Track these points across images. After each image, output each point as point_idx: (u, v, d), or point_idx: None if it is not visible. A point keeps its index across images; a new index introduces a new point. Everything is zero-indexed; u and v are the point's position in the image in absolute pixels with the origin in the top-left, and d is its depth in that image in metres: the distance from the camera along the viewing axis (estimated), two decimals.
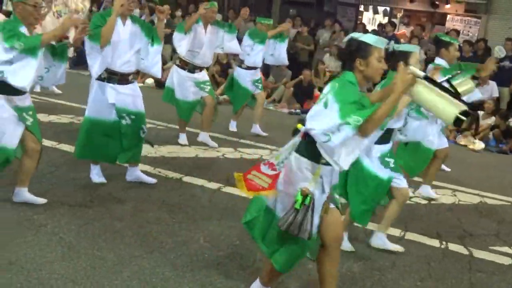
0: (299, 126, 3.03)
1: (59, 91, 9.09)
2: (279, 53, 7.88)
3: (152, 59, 5.07)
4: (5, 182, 4.82)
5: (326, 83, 8.52)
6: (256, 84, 7.75)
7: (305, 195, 2.91)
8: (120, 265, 3.63)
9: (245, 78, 7.69)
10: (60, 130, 6.88)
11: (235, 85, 7.80)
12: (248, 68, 7.67)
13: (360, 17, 16.74)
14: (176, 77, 6.74)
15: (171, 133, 7.44)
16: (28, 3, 4.06)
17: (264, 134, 7.87)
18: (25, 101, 4.30)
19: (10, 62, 4.00)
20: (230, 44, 6.99)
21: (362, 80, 3.00)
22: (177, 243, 4.07)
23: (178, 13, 14.28)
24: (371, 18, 17.89)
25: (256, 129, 7.90)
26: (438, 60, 5.49)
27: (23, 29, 4.08)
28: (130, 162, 5.22)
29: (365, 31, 13.49)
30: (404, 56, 3.98)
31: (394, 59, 3.93)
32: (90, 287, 3.33)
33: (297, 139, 3.05)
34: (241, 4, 18.91)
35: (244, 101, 7.83)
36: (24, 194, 4.44)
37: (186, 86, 6.71)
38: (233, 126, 8.00)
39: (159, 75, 5.32)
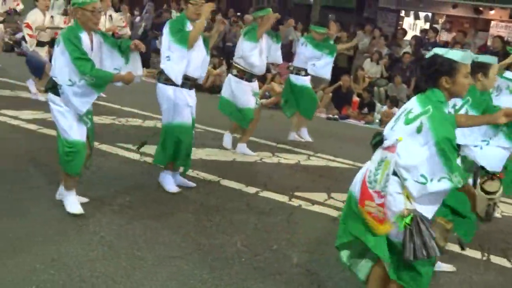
0: (400, 139, 2.78)
1: (103, 94, 9.20)
2: (323, 65, 7.64)
3: (204, 67, 5.21)
4: (49, 180, 4.95)
5: (365, 89, 8.41)
6: None
7: (406, 215, 2.77)
8: (159, 266, 3.67)
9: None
10: (102, 131, 7.00)
11: (306, 94, 7.71)
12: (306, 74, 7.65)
13: (400, 22, 16.52)
14: (236, 87, 6.58)
15: (208, 135, 7.50)
16: (87, 8, 4.10)
17: (309, 139, 7.82)
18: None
19: (74, 84, 4.10)
20: (275, 54, 6.92)
21: (448, 97, 2.89)
22: (215, 245, 4.09)
23: (218, 17, 14.40)
24: (412, 24, 17.62)
25: (303, 134, 7.88)
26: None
27: (84, 35, 4.12)
28: (179, 166, 5.29)
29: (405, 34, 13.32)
30: (484, 68, 3.80)
31: (472, 71, 3.65)
32: (130, 286, 3.38)
33: (387, 155, 2.80)
34: (280, 10, 18.96)
35: (315, 108, 7.99)
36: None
37: (247, 93, 6.60)
38: (305, 134, 7.92)
39: (200, 81, 5.39)
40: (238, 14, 13.94)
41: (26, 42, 8.45)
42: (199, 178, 5.59)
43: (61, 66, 4.08)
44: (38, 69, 8.39)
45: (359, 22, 14.72)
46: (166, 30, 4.91)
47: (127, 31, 11.02)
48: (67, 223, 4.16)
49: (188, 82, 5.02)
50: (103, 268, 3.55)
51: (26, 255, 3.59)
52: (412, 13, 17.15)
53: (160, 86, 5.03)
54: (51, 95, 4.23)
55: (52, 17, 8.72)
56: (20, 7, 10.90)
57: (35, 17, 8.32)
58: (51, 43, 8.41)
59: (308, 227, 4.69)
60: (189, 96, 5.06)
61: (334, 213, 5.05)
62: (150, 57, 13.73)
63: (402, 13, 16.75)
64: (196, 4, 4.91)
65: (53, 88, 4.18)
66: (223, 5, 20.58)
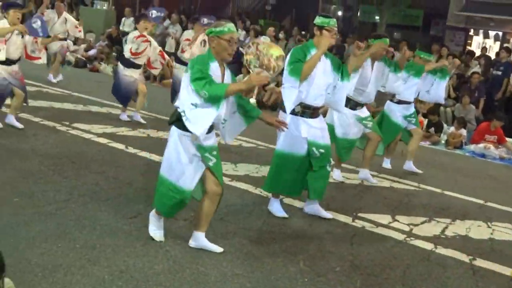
0: None
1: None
2: (436, 90, 7.16)
3: (339, 94, 5.05)
4: (117, 193, 5.11)
5: (430, 109, 8.10)
6: (409, 119, 7.15)
7: None
8: (222, 282, 3.69)
9: (396, 112, 7.14)
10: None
11: (385, 120, 7.20)
12: (400, 102, 7.11)
13: (469, 41, 16.08)
14: (338, 114, 6.20)
15: (271, 153, 7.48)
16: (223, 38, 3.83)
17: (418, 171, 7.29)
18: (210, 140, 3.99)
19: (195, 105, 3.76)
20: (394, 85, 6.56)
21: None
22: (277, 264, 4.08)
23: (281, 35, 14.53)
24: (480, 43, 17.12)
25: (409, 165, 7.34)
26: None
27: (215, 65, 3.89)
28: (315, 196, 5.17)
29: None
30: None
31: None
32: None
33: None
34: (345, 28, 18.91)
35: (394, 137, 7.24)
36: (201, 239, 4.19)
37: (348, 123, 6.32)
38: (387, 163, 7.51)
39: (342, 111, 5.37)
40: (303, 32, 13.99)
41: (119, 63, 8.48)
42: (262, 196, 5.61)
43: (186, 90, 3.81)
44: (125, 97, 8.39)
45: (426, 41, 14.44)
46: (287, 57, 4.73)
47: (81, 35, 11.52)
48: (134, 236, 4.26)
49: (308, 111, 4.89)
50: (168, 282, 3.61)
51: (94, 266, 3.70)
52: (481, 31, 16.67)
53: (280, 112, 4.97)
54: (175, 129, 3.94)
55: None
56: (80, 34, 11.35)
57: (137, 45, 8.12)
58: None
59: (372, 250, 4.59)
60: (308, 126, 4.91)
61: (399, 236, 4.93)
62: None
63: (471, 32, 16.29)
64: (331, 31, 4.79)
65: (178, 120, 3.89)
66: (287, 23, 20.79)
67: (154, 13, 9.10)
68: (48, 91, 10.00)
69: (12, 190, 4.90)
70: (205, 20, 8.52)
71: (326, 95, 5.00)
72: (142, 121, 8.34)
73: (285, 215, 5.08)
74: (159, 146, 7.04)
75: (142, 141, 7.23)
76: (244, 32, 14.93)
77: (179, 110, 3.87)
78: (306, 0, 21.27)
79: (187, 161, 3.92)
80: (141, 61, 8.25)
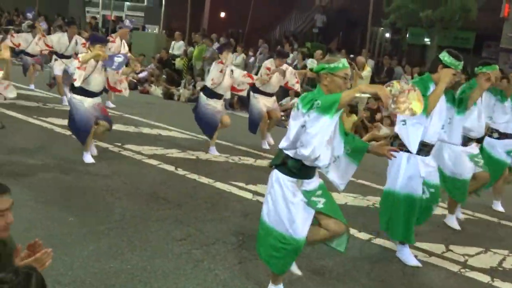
0: None
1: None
2: None
3: (455, 128, 4.85)
4: (168, 215, 5.16)
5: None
6: None
7: None
8: None
9: (497, 148, 6.43)
10: (215, 169, 7.23)
11: (486, 157, 6.26)
12: (501, 136, 6.40)
13: None
14: (448, 152, 5.66)
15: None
16: (338, 74, 3.52)
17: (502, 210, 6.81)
18: (314, 182, 3.67)
19: (304, 127, 3.36)
20: (505, 117, 6.12)
21: None
22: None
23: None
24: None
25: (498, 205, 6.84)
26: None
27: None
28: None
29: None
30: None
31: None
32: None
33: None
34: (393, 51, 18.73)
35: (500, 174, 6.48)
36: None
37: (461, 161, 5.70)
38: (497, 206, 6.83)
39: (457, 145, 5.11)
40: (351, 56, 13.91)
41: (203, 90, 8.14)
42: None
43: (294, 130, 3.45)
44: (211, 127, 7.99)
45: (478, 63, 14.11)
46: None
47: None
48: (184, 259, 4.28)
49: (425, 148, 4.63)
50: None
51: None
52: None
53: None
54: (279, 176, 3.61)
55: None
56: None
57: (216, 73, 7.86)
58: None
59: (425, 280, 4.46)
60: (424, 164, 4.65)
61: (453, 267, 4.76)
62: None
63: None
64: (455, 75, 4.53)
65: (282, 165, 3.59)
66: (333, 46, 20.77)
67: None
68: None
69: (67, 210, 5.02)
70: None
71: (440, 130, 4.76)
72: (217, 153, 8.00)
73: (418, 264, 4.71)
74: (208, 168, 7.13)
75: (191, 163, 7.30)
76: (291, 55, 15.00)
77: (285, 151, 3.55)
78: (354, 23, 21.23)
79: (296, 208, 3.55)
80: (223, 90, 7.95)
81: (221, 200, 5.90)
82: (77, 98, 6.68)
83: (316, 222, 3.70)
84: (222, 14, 21.45)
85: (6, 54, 7.36)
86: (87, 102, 6.69)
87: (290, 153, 3.52)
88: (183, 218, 5.18)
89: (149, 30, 21.66)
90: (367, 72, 12.29)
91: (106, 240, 4.45)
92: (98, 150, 7.14)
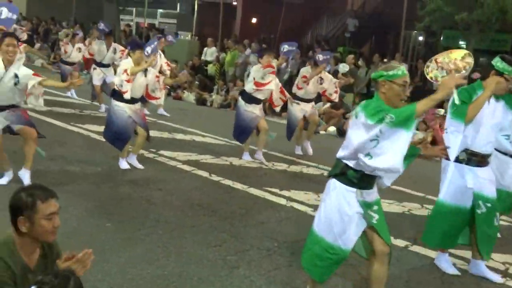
0: None
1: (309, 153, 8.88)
2: None
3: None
4: (202, 220, 5.19)
5: None
6: None
7: None
8: None
9: None
10: (249, 175, 7.24)
11: None
12: None
13: None
14: (497, 162, 5.14)
15: None
16: (396, 82, 3.39)
17: None
18: (373, 194, 3.56)
19: (377, 139, 3.25)
20: None
21: None
22: None
23: (360, 62, 14.39)
24: None
25: None
26: None
27: None
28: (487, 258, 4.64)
29: None
30: None
31: None
32: None
33: None
34: (427, 54, 18.44)
35: None
36: None
37: (509, 174, 5.24)
38: None
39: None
40: (385, 60, 13.77)
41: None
42: None
43: (354, 138, 3.38)
44: (244, 133, 7.96)
45: None
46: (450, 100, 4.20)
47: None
48: (219, 265, 4.30)
49: (474, 158, 4.42)
50: None
51: None
52: None
53: (442, 160, 4.56)
54: (337, 185, 3.51)
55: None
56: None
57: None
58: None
59: None
60: (474, 175, 4.42)
61: (493, 276, 4.64)
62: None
63: None
64: (509, 81, 4.27)
65: (341, 175, 3.49)
66: (366, 50, 20.59)
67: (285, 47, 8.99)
68: None
69: (105, 216, 5.11)
70: (321, 57, 8.59)
71: (503, 140, 4.61)
72: (265, 161, 7.92)
73: (457, 272, 4.61)
74: (242, 174, 7.15)
75: (225, 169, 7.34)
76: None
77: (344, 161, 3.46)
78: (386, 27, 21.01)
79: (349, 219, 3.46)
80: (263, 95, 7.88)
81: (255, 206, 5.91)
82: (120, 105, 6.71)
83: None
84: (254, 20, 21.52)
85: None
86: (128, 108, 6.72)
87: (350, 163, 3.42)
88: (218, 224, 5.20)
89: (182, 37, 21.89)
90: None
91: (142, 246, 4.50)
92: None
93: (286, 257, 4.59)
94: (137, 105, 6.92)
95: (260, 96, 7.84)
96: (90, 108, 11.08)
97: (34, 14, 22.21)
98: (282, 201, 6.15)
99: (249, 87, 7.81)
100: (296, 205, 6.05)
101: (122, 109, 6.71)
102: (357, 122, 3.34)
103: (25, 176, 5.70)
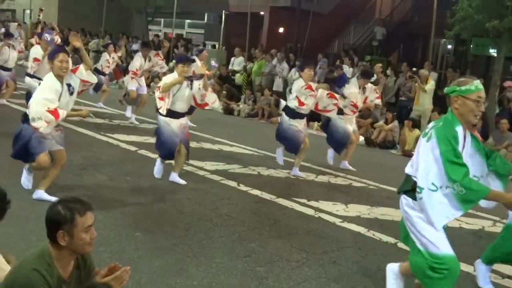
0: None
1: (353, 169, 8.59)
2: None
3: None
4: (230, 231, 5.19)
5: None
6: None
7: None
8: None
9: None
10: (278, 185, 7.23)
11: None
12: None
13: None
14: None
15: (381, 193, 7.33)
16: (470, 97, 3.32)
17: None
18: None
19: (436, 188, 3.28)
20: None
21: None
22: None
23: (389, 71, 14.29)
24: None
25: None
26: None
27: (460, 130, 3.38)
28: None
29: None
30: None
31: None
32: None
33: None
34: (456, 63, 18.21)
35: None
36: None
37: None
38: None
39: None
40: (414, 69, 13.64)
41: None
42: (375, 239, 5.44)
43: (427, 165, 3.32)
44: (294, 147, 7.77)
45: None
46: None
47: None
48: (248, 276, 4.29)
49: None
50: None
51: None
52: None
53: None
54: (409, 200, 3.50)
55: None
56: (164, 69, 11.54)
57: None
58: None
59: None
60: None
61: None
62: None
63: None
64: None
65: (413, 191, 3.45)
66: (394, 59, 20.42)
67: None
68: None
69: (135, 225, 5.15)
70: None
71: None
72: (301, 174, 7.84)
73: (491, 286, 4.44)
74: (270, 184, 7.14)
75: (253, 179, 7.34)
76: (351, 69, 14.86)
77: (415, 180, 3.40)
78: (414, 35, 20.82)
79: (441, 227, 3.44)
80: (306, 111, 7.73)
81: (284, 216, 5.89)
82: (164, 119, 6.63)
83: None
84: (281, 30, 21.57)
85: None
86: (173, 123, 6.63)
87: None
88: (247, 235, 5.20)
89: (209, 47, 22.06)
90: (430, 85, 12.02)
91: (172, 256, 4.52)
92: (164, 166, 7.28)
93: (315, 269, 4.56)
94: (183, 120, 6.78)
95: (303, 111, 7.68)
96: (120, 117, 11.23)
97: (65, 25, 22.66)
98: (310, 212, 6.12)
99: (292, 104, 7.61)
100: (324, 216, 6.02)
101: (167, 123, 6.62)
102: (427, 147, 3.29)
103: (44, 196, 5.57)
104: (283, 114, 7.85)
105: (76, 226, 2.51)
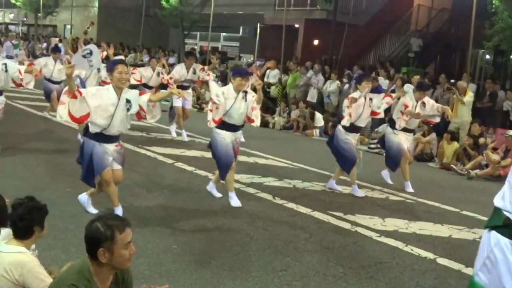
0: None
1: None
2: None
3: None
4: (265, 244, 5.20)
5: None
6: None
7: None
8: None
9: None
10: (314, 198, 7.20)
11: None
12: None
13: None
14: None
15: (419, 207, 7.21)
16: None
17: None
18: None
19: None
20: None
21: None
22: None
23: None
24: None
25: None
26: None
27: None
28: None
29: None
30: None
31: None
32: None
33: None
34: (495, 74, 17.83)
35: None
36: None
37: None
38: None
39: None
40: (452, 81, 13.42)
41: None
42: (413, 255, 5.35)
43: None
44: (349, 162, 7.44)
45: None
46: None
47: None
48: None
49: None
50: None
51: None
52: None
53: None
54: (499, 237, 2.83)
55: None
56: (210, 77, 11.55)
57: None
58: None
59: None
60: None
61: None
62: None
63: None
64: None
65: (505, 227, 2.90)
66: (431, 70, 20.13)
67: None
68: (200, 140, 10.61)
69: (172, 238, 5.21)
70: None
71: None
72: (337, 188, 7.65)
73: None
74: (305, 197, 7.12)
75: (289, 192, 7.33)
76: (387, 81, 14.74)
77: (505, 213, 2.81)
78: (451, 46, 20.51)
79: None
80: (362, 122, 7.59)
81: (320, 230, 5.86)
82: (219, 132, 6.43)
83: None
84: (316, 42, 21.56)
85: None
86: (228, 137, 6.42)
87: None
88: (283, 249, 5.18)
89: (244, 60, 22.23)
90: (469, 97, 11.79)
91: (208, 269, 4.55)
92: (200, 179, 7.36)
93: (352, 284, 4.52)
94: (238, 133, 6.62)
95: (361, 124, 7.56)
96: (157, 130, 11.39)
97: (104, 40, 23.21)
98: (347, 226, 6.07)
99: (346, 120, 7.35)
100: (361, 230, 5.96)
101: (223, 137, 6.42)
102: None
103: (86, 203, 5.70)
104: (339, 127, 7.54)
105: (116, 243, 2.53)
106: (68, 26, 30.23)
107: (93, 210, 5.65)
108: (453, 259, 5.29)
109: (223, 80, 17.21)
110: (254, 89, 6.82)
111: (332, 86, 15.05)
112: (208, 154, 9.40)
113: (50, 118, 11.36)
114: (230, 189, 6.56)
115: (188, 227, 5.58)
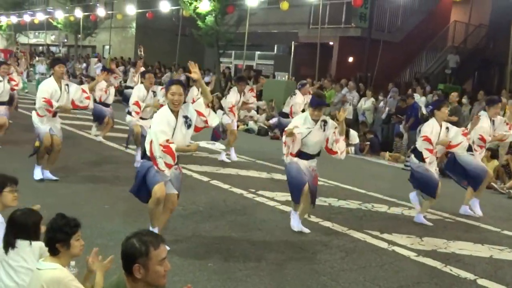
0: None
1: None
2: None
3: None
4: (298, 264, 5.16)
5: None
6: None
7: None
8: None
9: None
10: (349, 217, 7.14)
11: None
12: None
13: None
14: None
15: (459, 226, 7.06)
16: None
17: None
18: None
19: None
20: None
21: None
22: None
23: (464, 100, 13.85)
24: None
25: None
26: None
27: None
28: None
29: None
30: None
31: None
32: None
33: None
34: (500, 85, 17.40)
35: None
36: None
37: None
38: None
39: None
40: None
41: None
42: (453, 275, 5.23)
43: None
44: (433, 187, 6.98)
45: None
46: None
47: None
48: None
49: None
50: None
51: None
52: None
53: None
54: None
55: None
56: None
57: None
58: None
59: None
60: None
61: None
62: (393, 141, 13.78)
63: None
64: None
65: None
66: (468, 87, 19.80)
67: None
68: (239, 159, 10.67)
69: (207, 255, 5.24)
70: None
71: None
72: (427, 223, 7.06)
73: None
74: (341, 215, 7.06)
75: (324, 210, 7.28)
76: (423, 98, 14.56)
77: None
78: (490, 62, 20.15)
79: None
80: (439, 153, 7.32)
81: (356, 249, 5.79)
82: (292, 158, 6.19)
83: None
84: (350, 59, 21.50)
85: None
86: (302, 163, 6.18)
87: None
88: (318, 268, 5.15)
89: (279, 78, 22.32)
90: (509, 113, 11.50)
91: (244, 287, 4.55)
92: (236, 196, 7.38)
93: None
94: (312, 162, 6.28)
95: (439, 153, 7.33)
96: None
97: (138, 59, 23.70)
98: (383, 245, 5.99)
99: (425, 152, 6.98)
100: (398, 249, 5.87)
101: (295, 162, 6.19)
102: None
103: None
104: (412, 157, 7.26)
105: (151, 259, 2.57)
106: (107, 47, 30.99)
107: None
108: (494, 280, 5.16)
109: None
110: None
111: (367, 103, 14.96)
112: (244, 172, 9.52)
113: (104, 142, 11.36)
114: (295, 209, 6.34)
115: (224, 245, 5.60)
